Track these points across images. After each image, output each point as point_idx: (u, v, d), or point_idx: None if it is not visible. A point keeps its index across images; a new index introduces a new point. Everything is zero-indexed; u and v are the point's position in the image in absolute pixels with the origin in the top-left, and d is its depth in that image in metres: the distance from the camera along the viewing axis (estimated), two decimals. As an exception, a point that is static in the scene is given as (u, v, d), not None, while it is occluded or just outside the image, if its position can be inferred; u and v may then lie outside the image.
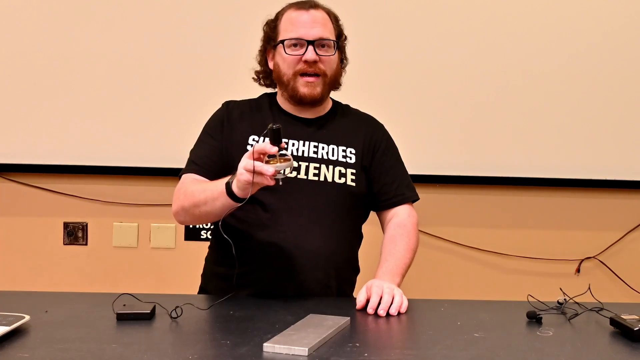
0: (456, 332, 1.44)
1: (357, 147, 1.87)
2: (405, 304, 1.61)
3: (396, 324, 1.53)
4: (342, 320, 1.44)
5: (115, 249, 2.81)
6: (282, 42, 1.81)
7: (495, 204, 2.81)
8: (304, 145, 1.83)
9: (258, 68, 1.92)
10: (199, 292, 1.93)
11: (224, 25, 2.70)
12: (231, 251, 1.64)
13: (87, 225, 2.81)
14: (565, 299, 1.64)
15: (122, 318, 1.46)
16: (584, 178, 2.76)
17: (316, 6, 1.83)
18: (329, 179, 1.80)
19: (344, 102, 1.99)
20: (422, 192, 1.99)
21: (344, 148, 1.85)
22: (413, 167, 2.07)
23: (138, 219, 2.80)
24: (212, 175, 1.77)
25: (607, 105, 2.75)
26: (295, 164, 1.79)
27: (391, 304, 1.59)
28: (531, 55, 2.73)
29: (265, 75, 1.91)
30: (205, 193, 1.67)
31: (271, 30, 1.86)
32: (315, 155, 1.82)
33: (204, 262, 1.96)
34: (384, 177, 1.89)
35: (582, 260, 2.83)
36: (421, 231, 1.96)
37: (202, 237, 2.80)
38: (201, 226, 2.78)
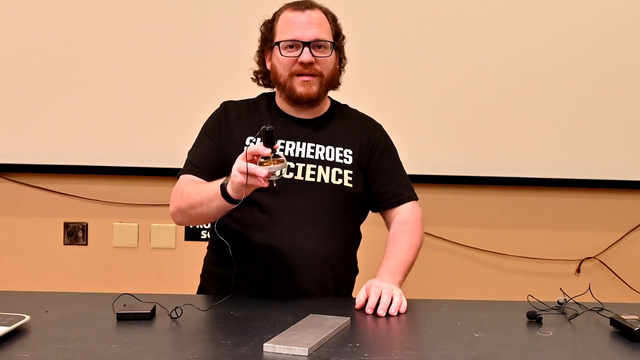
0: (456, 332, 1.44)
1: (354, 148, 1.86)
2: (405, 304, 1.60)
3: (396, 324, 1.53)
4: (342, 321, 1.44)
5: (116, 249, 2.81)
6: (278, 43, 1.81)
7: (495, 204, 2.81)
8: (301, 146, 1.83)
9: (257, 68, 1.92)
10: (197, 292, 1.93)
11: (224, 25, 2.70)
12: (228, 252, 1.64)
13: (87, 225, 2.81)
14: (565, 299, 1.64)
15: (122, 318, 1.46)
16: (584, 178, 2.76)
17: (312, 6, 1.82)
18: (326, 180, 1.80)
19: (343, 102, 1.99)
20: (422, 192, 2.00)
21: (341, 149, 1.85)
22: (412, 167, 2.07)
23: (138, 219, 2.80)
24: (210, 176, 1.77)
25: (607, 105, 2.75)
26: (290, 165, 1.79)
27: (390, 304, 1.59)
28: (530, 55, 2.73)
29: (264, 75, 1.91)
30: (201, 194, 1.68)
31: (268, 31, 1.86)
32: (312, 157, 1.82)
33: (202, 263, 1.96)
34: (382, 178, 1.89)
35: (582, 260, 2.83)
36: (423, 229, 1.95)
37: (202, 237, 2.80)
38: (201, 226, 2.78)
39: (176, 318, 1.48)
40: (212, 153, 1.83)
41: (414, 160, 2.22)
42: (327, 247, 1.78)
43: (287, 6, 1.84)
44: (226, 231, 1.79)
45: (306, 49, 1.77)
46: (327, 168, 1.81)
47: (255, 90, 1.97)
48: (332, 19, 1.86)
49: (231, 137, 1.83)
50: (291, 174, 1.79)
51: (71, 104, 2.71)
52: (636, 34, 2.73)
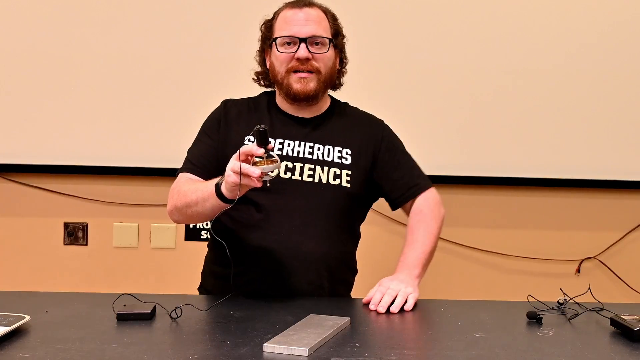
0: (456, 332, 1.44)
1: (353, 147, 1.86)
2: (410, 303, 1.62)
3: (396, 324, 1.53)
4: (342, 321, 1.44)
5: (116, 249, 2.81)
6: (275, 40, 1.81)
7: (495, 204, 2.81)
8: (299, 145, 1.82)
9: (258, 69, 1.92)
10: (198, 290, 1.94)
11: (224, 25, 2.70)
12: (226, 251, 1.65)
13: (87, 225, 2.81)
14: (565, 299, 1.64)
15: (122, 318, 1.46)
16: (584, 178, 2.76)
17: (311, 4, 1.83)
18: (324, 180, 1.80)
19: (343, 101, 1.98)
20: (422, 192, 1.99)
21: (340, 149, 1.85)
22: (413, 167, 2.06)
23: (138, 219, 2.80)
24: (208, 175, 1.77)
25: (607, 105, 2.75)
26: (288, 165, 1.79)
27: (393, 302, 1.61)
28: (531, 55, 2.73)
29: (265, 75, 1.91)
30: (196, 194, 1.68)
31: (267, 29, 1.86)
32: (310, 156, 1.82)
33: (203, 261, 1.97)
34: (393, 174, 1.88)
35: (582, 260, 2.83)
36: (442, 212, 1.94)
37: (202, 237, 2.80)
38: (201, 226, 2.78)
39: (176, 318, 1.48)
40: (210, 152, 1.83)
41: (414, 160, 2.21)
42: (323, 248, 1.78)
43: (286, 5, 1.85)
44: (223, 230, 1.79)
45: (302, 45, 1.77)
46: (325, 168, 1.81)
47: (255, 90, 1.96)
48: (332, 18, 1.86)
49: (230, 136, 1.82)
50: (289, 174, 1.79)
51: (71, 104, 2.72)
52: (636, 34, 2.73)
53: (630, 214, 2.83)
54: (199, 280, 1.96)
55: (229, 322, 1.47)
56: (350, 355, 1.26)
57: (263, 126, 1.48)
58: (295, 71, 1.79)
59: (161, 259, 2.81)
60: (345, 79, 1.94)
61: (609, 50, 2.73)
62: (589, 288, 1.65)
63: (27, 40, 2.70)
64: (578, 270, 2.83)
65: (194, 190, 1.70)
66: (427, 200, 1.89)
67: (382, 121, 1.96)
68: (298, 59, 1.78)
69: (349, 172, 1.83)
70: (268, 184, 1.52)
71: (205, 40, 2.71)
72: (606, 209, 2.83)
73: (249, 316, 1.52)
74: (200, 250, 1.99)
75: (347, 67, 1.94)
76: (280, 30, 1.81)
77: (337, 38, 1.85)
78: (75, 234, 2.80)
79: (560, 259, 2.83)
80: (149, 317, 1.47)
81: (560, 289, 1.69)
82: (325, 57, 1.81)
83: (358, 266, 1.95)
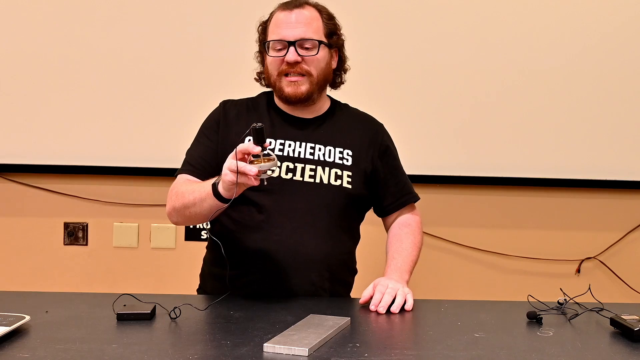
0: (456, 332, 1.44)
1: (353, 148, 1.86)
2: (410, 302, 1.63)
3: (396, 324, 1.53)
4: (342, 321, 1.44)
5: (116, 249, 2.81)
6: (265, 44, 1.81)
7: (495, 204, 2.81)
8: (300, 146, 1.82)
9: (260, 69, 1.92)
10: (197, 292, 1.93)
11: (224, 25, 2.70)
12: (226, 251, 1.64)
13: (87, 225, 2.81)
14: (565, 299, 1.64)
15: (122, 318, 1.46)
16: (584, 178, 2.76)
17: (303, 5, 1.81)
18: (325, 181, 1.80)
19: (343, 102, 1.98)
20: (422, 192, 2.00)
21: (341, 149, 1.85)
22: (413, 167, 2.07)
23: (138, 219, 2.80)
24: (206, 176, 1.76)
25: (607, 105, 2.75)
26: (289, 165, 1.78)
27: (393, 302, 1.61)
28: (531, 55, 2.72)
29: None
30: (194, 194, 1.67)
31: (262, 32, 1.86)
32: (311, 157, 1.82)
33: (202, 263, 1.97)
34: (388, 180, 1.90)
35: (583, 260, 2.83)
36: (422, 231, 1.97)
37: (202, 237, 2.80)
38: (201, 226, 2.78)
39: (175, 318, 1.48)
40: (209, 153, 1.82)
41: (414, 160, 2.22)
42: (324, 249, 1.78)
43: (279, 5, 1.84)
44: (224, 231, 1.79)
45: (291, 49, 1.77)
46: (327, 169, 1.81)
47: (254, 90, 1.96)
48: (327, 17, 1.84)
49: (230, 136, 1.82)
50: (290, 175, 1.79)
51: (71, 104, 2.72)
52: (636, 35, 2.73)
53: (630, 214, 2.83)
54: (199, 281, 1.96)
55: (229, 322, 1.47)
56: (350, 355, 1.26)
57: (259, 124, 1.47)
58: (287, 74, 1.79)
59: (161, 259, 2.81)
60: (346, 79, 1.94)
61: (609, 51, 2.73)
62: (589, 288, 1.65)
63: (27, 41, 2.70)
64: (578, 271, 2.83)
65: (192, 191, 1.69)
66: (415, 217, 1.95)
67: (382, 125, 1.96)
68: (288, 63, 1.77)
69: (350, 173, 1.83)
70: (265, 182, 1.51)
71: (205, 40, 2.71)
72: (606, 209, 2.83)
73: (249, 316, 1.52)
74: (200, 250, 1.99)
75: (348, 66, 1.93)
76: (272, 33, 1.81)
77: (332, 37, 1.84)
78: (75, 234, 2.81)
79: (561, 259, 2.83)
80: (149, 317, 1.47)
81: (561, 289, 1.69)
82: (315, 60, 1.79)
83: (358, 266, 1.95)
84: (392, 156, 1.94)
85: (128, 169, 2.74)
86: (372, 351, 1.30)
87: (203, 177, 1.78)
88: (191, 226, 2.78)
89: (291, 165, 1.79)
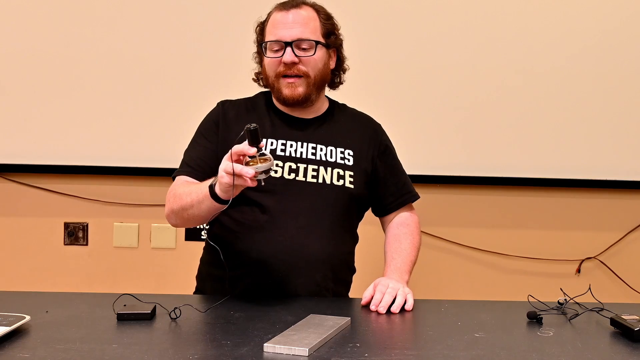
0: (457, 332, 1.44)
1: (354, 148, 1.86)
2: (410, 302, 1.63)
3: (397, 324, 1.53)
4: (342, 321, 1.44)
5: (116, 249, 2.81)
6: (262, 45, 1.81)
7: (495, 204, 2.81)
8: (301, 146, 1.82)
9: (258, 69, 1.92)
10: (194, 294, 1.92)
11: (224, 25, 2.70)
12: (226, 252, 1.64)
13: (87, 225, 2.81)
14: (565, 299, 1.64)
15: (122, 318, 1.46)
16: (584, 178, 2.76)
17: (300, 5, 1.80)
18: (327, 181, 1.80)
19: (342, 102, 1.98)
20: (422, 192, 2.00)
21: (342, 149, 1.85)
22: (413, 167, 2.07)
23: (138, 219, 2.80)
24: (205, 178, 1.74)
25: (607, 105, 2.75)
26: (291, 166, 1.78)
27: (393, 302, 1.62)
28: (531, 55, 2.72)
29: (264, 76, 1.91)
30: (191, 196, 1.66)
31: (260, 33, 1.86)
32: (313, 157, 1.81)
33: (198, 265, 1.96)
34: (387, 180, 1.90)
35: (583, 260, 2.83)
36: (421, 231, 1.97)
37: (202, 237, 2.80)
38: (202, 226, 2.78)
39: (175, 318, 1.48)
40: (207, 154, 1.81)
41: (414, 160, 2.22)
42: (328, 249, 1.78)
43: (276, 6, 1.83)
44: (226, 232, 1.79)
45: (288, 49, 1.76)
46: (329, 169, 1.81)
47: (253, 89, 1.96)
48: (325, 17, 1.83)
49: (230, 137, 1.80)
50: (293, 175, 1.78)
51: (71, 104, 2.72)
52: (636, 35, 2.73)
53: (631, 214, 2.83)
54: (195, 283, 1.95)
55: (229, 322, 1.47)
56: (350, 355, 1.26)
57: (254, 125, 1.46)
58: (284, 76, 1.78)
59: (161, 259, 2.81)
60: (346, 79, 1.94)
61: (609, 51, 2.73)
62: (589, 288, 1.65)
63: (27, 41, 2.70)
64: (578, 271, 2.83)
65: (189, 192, 1.68)
66: (414, 217, 1.95)
67: (379, 124, 1.96)
68: (285, 64, 1.77)
69: (352, 173, 1.83)
70: (262, 183, 1.51)
71: (204, 40, 2.71)
72: (606, 209, 2.83)
73: (249, 316, 1.52)
74: (200, 250, 1.98)
75: (347, 66, 1.93)
76: (269, 34, 1.80)
77: (329, 37, 1.83)
78: (75, 234, 2.81)
79: (561, 259, 2.83)
80: (149, 317, 1.47)
81: (561, 289, 1.69)
82: (312, 60, 1.79)
83: (357, 266, 1.95)
84: (392, 155, 1.94)
85: (128, 169, 2.74)
86: (372, 351, 1.30)
87: (201, 178, 1.76)
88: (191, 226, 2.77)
89: (294, 166, 1.79)
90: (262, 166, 1.47)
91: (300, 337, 1.31)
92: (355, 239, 1.93)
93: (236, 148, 1.48)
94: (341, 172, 1.82)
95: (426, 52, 2.72)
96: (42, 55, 2.70)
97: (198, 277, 1.94)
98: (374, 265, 2.02)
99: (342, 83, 1.93)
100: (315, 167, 1.80)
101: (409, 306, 1.62)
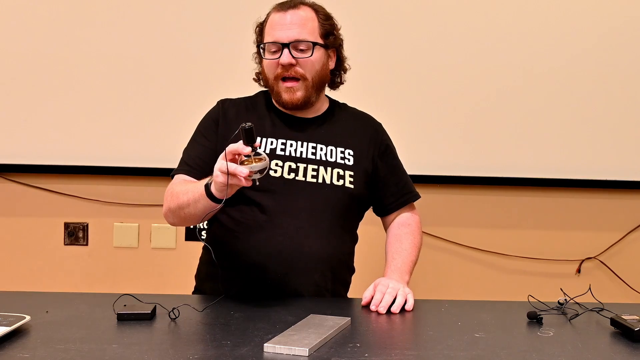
0: (457, 332, 1.44)
1: (355, 148, 1.86)
2: (410, 302, 1.63)
3: (397, 324, 1.53)
4: (342, 321, 1.44)
5: (116, 250, 2.81)
6: (260, 46, 1.81)
7: (495, 204, 2.81)
8: (302, 146, 1.82)
9: (259, 69, 1.91)
10: (193, 294, 1.91)
11: (223, 25, 2.70)
12: (226, 252, 1.64)
13: (87, 225, 2.81)
14: (565, 300, 1.64)
15: (122, 318, 1.46)
16: (584, 178, 2.76)
17: (298, 5, 1.79)
18: (327, 181, 1.80)
19: (343, 101, 1.98)
20: (422, 192, 2.00)
21: (342, 149, 1.84)
22: (413, 167, 2.07)
23: (139, 219, 2.80)
24: (204, 177, 1.74)
25: (607, 105, 2.75)
26: (291, 166, 1.78)
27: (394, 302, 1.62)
28: (532, 55, 2.73)
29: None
30: (187, 195, 1.66)
31: (259, 33, 1.85)
32: (313, 157, 1.81)
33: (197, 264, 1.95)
34: (388, 179, 1.90)
35: (583, 260, 2.83)
36: (422, 231, 1.97)
37: (202, 237, 2.79)
38: (202, 226, 2.78)
39: (175, 318, 1.48)
40: (207, 153, 1.81)
41: (414, 160, 2.22)
42: (328, 249, 1.78)
43: (275, 7, 1.82)
44: (225, 231, 1.79)
45: (285, 51, 1.75)
46: (329, 169, 1.81)
47: (252, 89, 1.96)
48: (324, 17, 1.82)
49: (229, 136, 1.79)
50: (292, 175, 1.78)
51: (71, 104, 2.72)
52: (636, 35, 2.73)
53: (631, 214, 2.83)
54: (195, 283, 1.94)
55: (229, 322, 1.47)
56: (350, 355, 1.26)
57: (249, 124, 1.45)
58: (284, 79, 1.78)
59: (161, 259, 2.81)
60: (347, 79, 1.93)
61: (609, 51, 2.73)
62: (590, 288, 1.65)
63: (27, 41, 2.70)
64: (578, 271, 2.83)
65: (185, 191, 1.68)
66: (415, 217, 1.95)
67: (380, 124, 1.96)
68: (282, 65, 1.76)
69: (352, 173, 1.82)
70: (257, 183, 1.50)
71: (204, 40, 2.71)
72: (606, 209, 2.83)
73: (249, 316, 1.52)
74: (200, 250, 1.98)
75: (348, 66, 1.92)
76: (267, 35, 1.79)
77: (328, 38, 1.82)
78: (75, 234, 2.81)
79: (561, 259, 2.83)
80: (149, 317, 1.47)
81: (561, 289, 1.69)
82: (309, 62, 1.77)
83: (356, 266, 1.95)
84: (392, 155, 1.94)
85: (128, 169, 2.74)
86: (372, 351, 1.30)
87: (200, 177, 1.76)
88: (191, 226, 2.78)
89: (293, 165, 1.79)
90: (256, 166, 1.46)
91: (300, 337, 1.31)
92: (354, 239, 1.93)
93: (231, 147, 1.48)
94: (341, 172, 1.81)
95: (426, 52, 2.72)
96: (42, 55, 2.70)
97: (197, 277, 1.93)
98: (373, 265, 2.02)
99: (342, 83, 1.93)
100: (315, 167, 1.80)
101: (409, 306, 1.62)
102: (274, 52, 1.78)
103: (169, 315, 1.48)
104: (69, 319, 1.48)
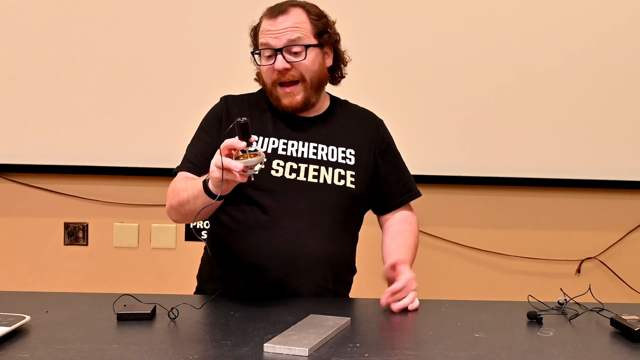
0: (457, 332, 1.44)
1: (356, 147, 1.85)
2: (416, 303, 1.63)
3: (397, 325, 1.53)
4: (342, 321, 1.44)
5: (116, 249, 2.81)
6: (254, 53, 1.80)
7: (495, 204, 2.81)
8: (303, 146, 1.81)
9: (258, 70, 1.91)
10: (195, 294, 1.92)
11: (223, 24, 2.70)
12: (228, 252, 1.63)
13: (87, 225, 2.81)
14: (565, 300, 1.64)
15: (122, 318, 1.46)
16: (584, 178, 2.76)
17: (286, 10, 1.77)
18: (329, 181, 1.79)
19: (343, 98, 1.97)
20: (422, 192, 1.99)
21: (344, 149, 1.84)
22: (413, 167, 2.06)
23: (138, 219, 2.80)
24: (206, 173, 1.75)
25: (607, 105, 2.75)
26: (292, 165, 1.77)
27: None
28: (531, 55, 2.73)
29: None
30: (187, 192, 1.67)
31: (254, 37, 1.85)
32: (314, 157, 1.81)
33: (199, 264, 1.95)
34: (389, 177, 1.89)
35: (583, 260, 2.83)
36: (421, 231, 1.97)
37: (202, 237, 2.79)
38: (202, 226, 2.78)
39: (174, 318, 1.48)
40: (209, 150, 1.79)
41: (414, 160, 2.20)
42: (329, 249, 1.77)
43: (266, 12, 1.81)
44: (226, 231, 1.79)
45: (279, 57, 1.74)
46: (330, 169, 1.80)
47: (252, 88, 1.95)
48: (316, 16, 1.80)
49: (233, 133, 1.81)
50: (294, 175, 1.78)
51: (71, 104, 2.72)
52: (636, 35, 2.73)
53: (631, 214, 2.83)
54: (196, 283, 1.94)
55: (229, 322, 1.47)
56: (350, 355, 1.26)
57: (244, 119, 1.45)
58: (281, 84, 1.77)
59: (161, 259, 2.81)
60: (347, 79, 1.92)
61: (609, 51, 2.73)
62: (589, 288, 1.65)
63: (27, 41, 2.70)
64: (578, 271, 2.83)
65: (186, 188, 1.69)
66: (413, 215, 1.95)
67: (381, 121, 1.95)
68: (278, 71, 1.76)
69: (353, 173, 1.82)
70: (252, 178, 1.50)
71: (203, 40, 2.71)
72: (606, 209, 2.83)
73: (249, 316, 1.52)
74: (201, 250, 1.98)
75: (347, 67, 1.92)
76: (260, 41, 1.78)
77: (322, 36, 1.80)
78: (75, 234, 2.81)
79: (561, 259, 2.83)
80: (149, 317, 1.47)
81: (561, 289, 1.69)
82: (303, 64, 1.76)
83: (357, 266, 1.95)
84: (393, 153, 1.93)
85: (128, 169, 2.74)
86: (372, 351, 1.30)
87: (202, 174, 1.74)
88: (191, 226, 2.78)
89: (295, 166, 1.78)
90: (251, 161, 1.46)
91: (300, 337, 1.31)
92: (356, 239, 1.92)
93: (226, 142, 1.48)
94: (342, 172, 1.81)
95: (426, 52, 2.72)
96: (42, 55, 2.70)
97: (199, 277, 1.93)
98: (374, 265, 2.02)
99: (343, 77, 1.92)
100: (317, 167, 1.80)
101: (413, 306, 1.62)
102: (269, 57, 1.77)
103: (169, 315, 1.48)
104: (69, 319, 1.48)
